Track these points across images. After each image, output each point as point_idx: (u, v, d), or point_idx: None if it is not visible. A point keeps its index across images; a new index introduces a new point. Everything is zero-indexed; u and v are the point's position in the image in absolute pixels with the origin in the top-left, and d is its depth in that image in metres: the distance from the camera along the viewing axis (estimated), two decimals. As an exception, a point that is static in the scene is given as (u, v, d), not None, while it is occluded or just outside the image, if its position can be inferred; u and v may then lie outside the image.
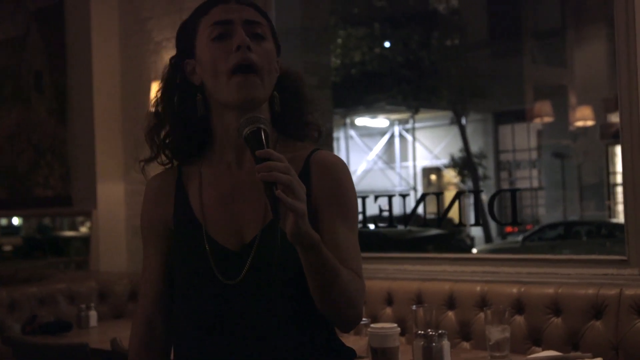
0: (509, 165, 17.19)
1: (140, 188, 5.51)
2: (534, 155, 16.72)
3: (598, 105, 11.68)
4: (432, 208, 4.43)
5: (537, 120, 12.04)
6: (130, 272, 5.27)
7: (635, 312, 3.20)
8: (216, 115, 1.70)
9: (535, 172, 16.92)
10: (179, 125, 1.72)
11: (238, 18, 1.66)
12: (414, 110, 16.58)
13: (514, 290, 3.55)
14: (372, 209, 4.37)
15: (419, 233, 11.07)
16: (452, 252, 9.41)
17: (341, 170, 1.70)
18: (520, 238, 13.57)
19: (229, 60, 1.62)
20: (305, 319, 1.62)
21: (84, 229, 7.59)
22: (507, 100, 15.55)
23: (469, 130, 16.39)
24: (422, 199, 4.25)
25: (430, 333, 2.95)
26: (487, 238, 15.04)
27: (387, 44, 15.76)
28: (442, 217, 4.05)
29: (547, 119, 11.97)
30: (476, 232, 14.80)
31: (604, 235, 12.35)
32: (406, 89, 15.63)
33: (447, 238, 11.75)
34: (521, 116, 15.75)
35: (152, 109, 1.78)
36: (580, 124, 12.18)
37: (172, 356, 1.77)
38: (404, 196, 4.33)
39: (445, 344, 2.95)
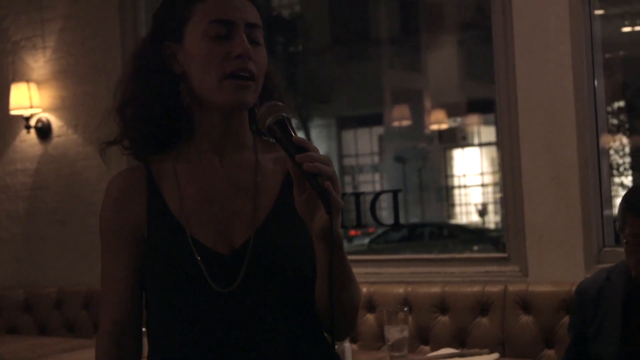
0: (352, 169, 17.52)
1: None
2: (377, 159, 17.12)
3: (449, 109, 12.14)
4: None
5: (396, 124, 12.34)
6: (23, 282, 4.92)
7: (520, 308, 3.32)
8: (199, 110, 1.55)
9: (377, 176, 17.33)
10: (153, 113, 1.55)
11: (240, 19, 1.51)
12: (259, 115, 16.57)
13: (401, 290, 3.61)
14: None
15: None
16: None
17: None
18: (366, 241, 13.85)
19: (226, 66, 1.48)
20: (302, 325, 1.53)
21: None
22: (353, 105, 15.84)
23: (313, 135, 16.58)
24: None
25: (332, 335, 2.94)
26: (334, 241, 15.22)
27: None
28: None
29: (405, 122, 12.30)
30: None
31: (445, 236, 12.83)
32: (251, 94, 15.60)
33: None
34: (366, 121, 16.10)
35: (122, 89, 1.59)
36: (434, 127, 12.58)
37: None
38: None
39: (347, 345, 2.95)
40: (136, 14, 4.65)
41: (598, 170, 3.41)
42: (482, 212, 15.28)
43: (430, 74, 12.61)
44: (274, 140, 1.56)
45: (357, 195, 4.12)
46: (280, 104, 1.44)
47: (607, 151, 3.88)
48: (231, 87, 1.49)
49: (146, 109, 1.55)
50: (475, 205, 15.60)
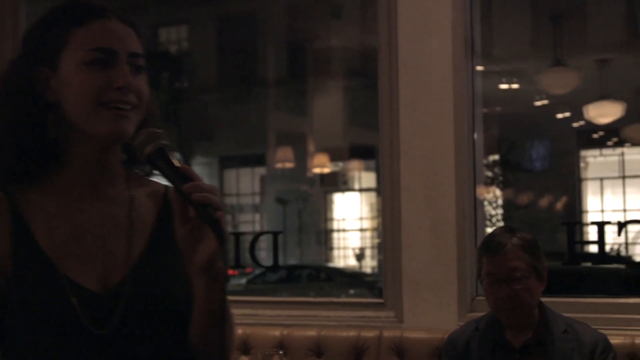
0: (232, 209, 17.45)
1: None
2: (258, 200, 17.14)
3: (331, 154, 12.34)
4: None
5: (279, 165, 12.42)
6: None
7: (395, 354, 3.35)
8: (72, 141, 1.46)
9: (257, 217, 17.33)
10: (18, 141, 1.45)
11: (123, 50, 1.43)
12: (140, 150, 16.35)
13: (277, 333, 3.58)
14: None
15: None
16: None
17: None
18: (243, 281, 13.78)
19: (104, 96, 1.41)
20: None
21: None
22: (237, 145, 15.85)
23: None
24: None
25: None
26: (210, 281, 15.08)
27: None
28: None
29: (289, 165, 12.38)
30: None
31: (323, 279, 12.91)
32: (131, 128, 15.40)
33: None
34: (248, 161, 16.12)
35: None
36: (317, 170, 12.71)
37: None
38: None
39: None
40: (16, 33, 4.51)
41: (474, 221, 3.51)
42: (360, 257, 15.49)
43: (315, 118, 12.80)
44: (144, 174, 1.55)
45: (237, 235, 4.09)
46: (158, 131, 1.39)
47: (482, 203, 4.00)
48: (109, 115, 1.41)
49: (11, 136, 1.45)
50: (353, 249, 15.80)
